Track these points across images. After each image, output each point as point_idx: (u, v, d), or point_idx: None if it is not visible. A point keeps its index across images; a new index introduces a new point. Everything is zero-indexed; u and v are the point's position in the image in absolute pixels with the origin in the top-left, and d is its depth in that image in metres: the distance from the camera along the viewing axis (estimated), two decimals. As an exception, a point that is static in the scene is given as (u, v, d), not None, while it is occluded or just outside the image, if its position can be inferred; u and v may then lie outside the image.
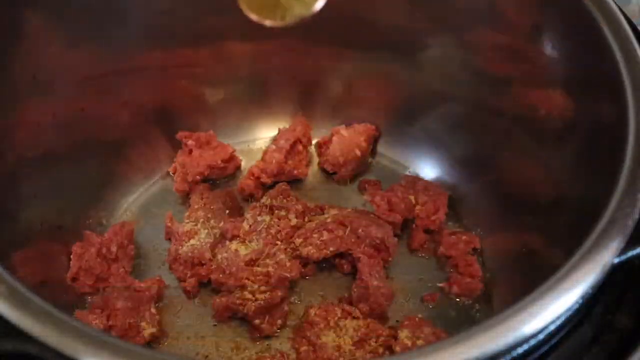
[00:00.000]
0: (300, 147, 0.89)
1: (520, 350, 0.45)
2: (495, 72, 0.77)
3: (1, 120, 0.67)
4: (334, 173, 0.89)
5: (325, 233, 0.77)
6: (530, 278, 0.57)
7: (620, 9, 0.61)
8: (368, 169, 0.91)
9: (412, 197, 0.83)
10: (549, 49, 0.67)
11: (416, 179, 0.86)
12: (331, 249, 0.76)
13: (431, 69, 0.83)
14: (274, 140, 0.90)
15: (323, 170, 0.90)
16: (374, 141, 0.91)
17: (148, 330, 0.71)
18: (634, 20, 0.62)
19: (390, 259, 0.78)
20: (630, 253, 0.48)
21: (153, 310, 0.73)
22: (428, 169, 0.89)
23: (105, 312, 0.70)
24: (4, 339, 0.44)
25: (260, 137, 0.93)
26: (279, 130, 0.91)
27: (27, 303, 0.45)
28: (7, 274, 0.48)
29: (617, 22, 0.59)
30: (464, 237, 0.81)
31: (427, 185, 0.85)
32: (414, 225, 0.84)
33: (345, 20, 0.82)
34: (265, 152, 0.88)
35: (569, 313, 0.46)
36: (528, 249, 0.74)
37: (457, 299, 0.78)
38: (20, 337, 0.44)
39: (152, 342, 0.73)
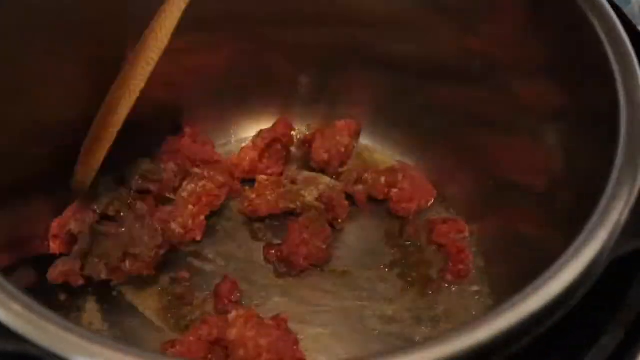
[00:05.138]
0: (279, 147, 0.88)
1: (518, 347, 0.45)
2: (482, 59, 0.76)
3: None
4: (321, 171, 0.88)
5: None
6: (525, 265, 0.57)
7: (621, 9, 0.61)
8: (354, 162, 0.90)
9: (397, 183, 0.83)
10: (537, 36, 0.68)
11: (403, 165, 0.86)
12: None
13: (413, 59, 0.82)
14: (252, 138, 0.89)
15: (310, 168, 0.89)
16: (357, 135, 0.91)
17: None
18: (634, 21, 0.63)
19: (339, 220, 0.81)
20: (629, 247, 0.47)
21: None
22: (415, 157, 0.89)
23: None
24: (4, 339, 0.44)
25: (243, 139, 0.92)
26: (261, 131, 0.89)
27: (27, 305, 0.45)
28: (3, 278, 0.47)
29: (605, 14, 0.59)
30: (455, 225, 0.82)
31: (414, 171, 0.85)
32: (400, 214, 0.84)
33: (328, 17, 0.82)
34: (241, 149, 0.88)
35: (567, 311, 0.45)
36: (522, 236, 0.74)
37: (452, 288, 0.78)
38: (20, 338, 0.43)
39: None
